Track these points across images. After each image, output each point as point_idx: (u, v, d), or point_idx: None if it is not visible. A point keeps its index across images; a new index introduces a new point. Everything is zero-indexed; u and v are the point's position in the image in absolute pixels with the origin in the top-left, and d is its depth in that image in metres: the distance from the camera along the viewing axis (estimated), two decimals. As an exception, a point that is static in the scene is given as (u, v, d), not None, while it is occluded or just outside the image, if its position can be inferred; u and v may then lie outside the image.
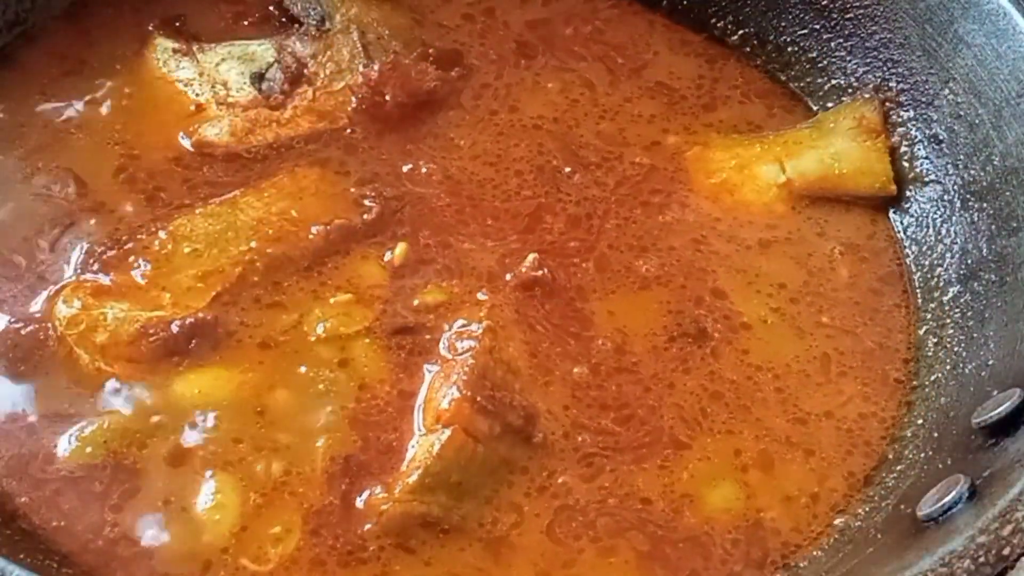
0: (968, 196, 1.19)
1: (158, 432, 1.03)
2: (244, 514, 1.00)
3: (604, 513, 1.03)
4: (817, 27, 1.33)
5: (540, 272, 1.14)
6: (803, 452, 1.09)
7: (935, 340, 1.16)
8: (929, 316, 1.18)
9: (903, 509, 1.01)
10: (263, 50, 1.30)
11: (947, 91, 1.22)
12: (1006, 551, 0.87)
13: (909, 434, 1.10)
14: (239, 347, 1.09)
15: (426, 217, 1.19)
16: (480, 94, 1.31)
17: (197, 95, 1.26)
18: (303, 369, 1.08)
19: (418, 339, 1.10)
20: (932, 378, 1.13)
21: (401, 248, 1.16)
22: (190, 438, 1.03)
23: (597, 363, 1.11)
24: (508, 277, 1.15)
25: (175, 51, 1.29)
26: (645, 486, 1.05)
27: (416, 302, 1.12)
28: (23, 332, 1.07)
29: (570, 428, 1.07)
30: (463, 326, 1.10)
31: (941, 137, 1.24)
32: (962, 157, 1.21)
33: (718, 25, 1.38)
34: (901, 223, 1.26)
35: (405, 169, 1.23)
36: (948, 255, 1.20)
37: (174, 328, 1.07)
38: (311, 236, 1.15)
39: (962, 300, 1.15)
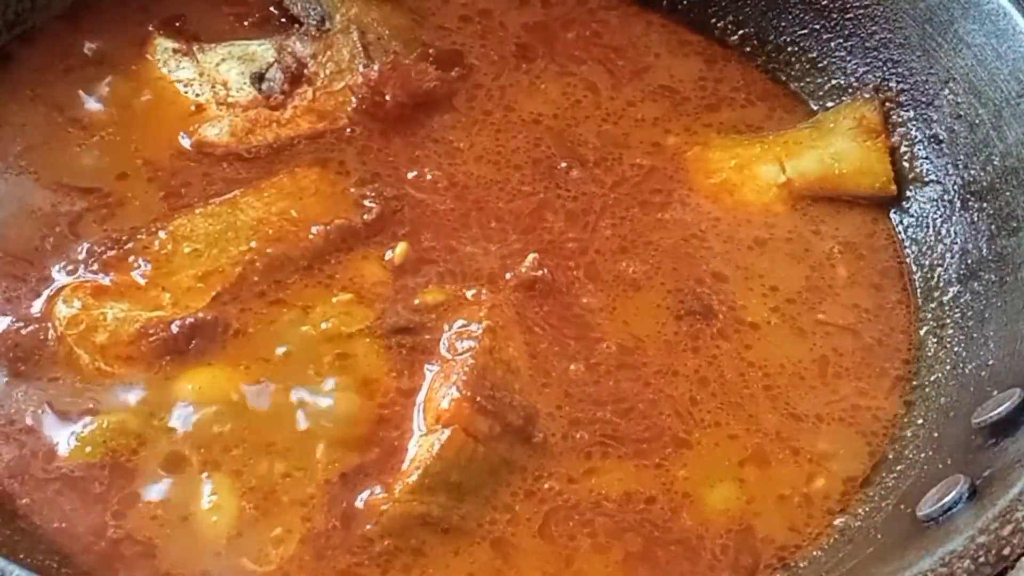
0: (968, 196, 1.19)
1: (158, 432, 1.03)
2: (244, 515, 0.99)
3: (602, 513, 1.03)
4: (817, 27, 1.33)
5: (540, 272, 1.14)
6: (802, 452, 1.09)
7: (935, 340, 1.16)
8: (929, 316, 1.18)
9: (903, 509, 1.01)
10: (263, 50, 1.30)
11: (947, 91, 1.22)
12: (1006, 551, 0.88)
13: (909, 434, 1.10)
14: (239, 347, 1.08)
15: (426, 217, 1.19)
16: (480, 95, 1.31)
17: (197, 95, 1.26)
18: (303, 369, 1.07)
19: (418, 339, 1.10)
20: (932, 378, 1.13)
21: (401, 248, 1.16)
22: (190, 438, 1.03)
23: (597, 362, 1.11)
24: (508, 277, 1.15)
25: (175, 51, 1.29)
26: (643, 485, 1.05)
27: (416, 302, 1.12)
28: (23, 332, 1.07)
29: (568, 427, 1.07)
30: (463, 326, 1.10)
31: (941, 137, 1.24)
32: (962, 157, 1.21)
33: (718, 25, 1.38)
34: (901, 223, 1.26)
35: (405, 169, 1.23)
36: (948, 255, 1.20)
37: (174, 328, 1.07)
38: (311, 236, 1.15)
39: (962, 300, 1.15)
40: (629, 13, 1.41)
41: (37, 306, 1.09)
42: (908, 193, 1.26)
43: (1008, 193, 1.15)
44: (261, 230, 1.14)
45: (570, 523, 1.02)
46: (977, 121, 1.19)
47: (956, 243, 1.19)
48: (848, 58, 1.31)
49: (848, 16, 1.30)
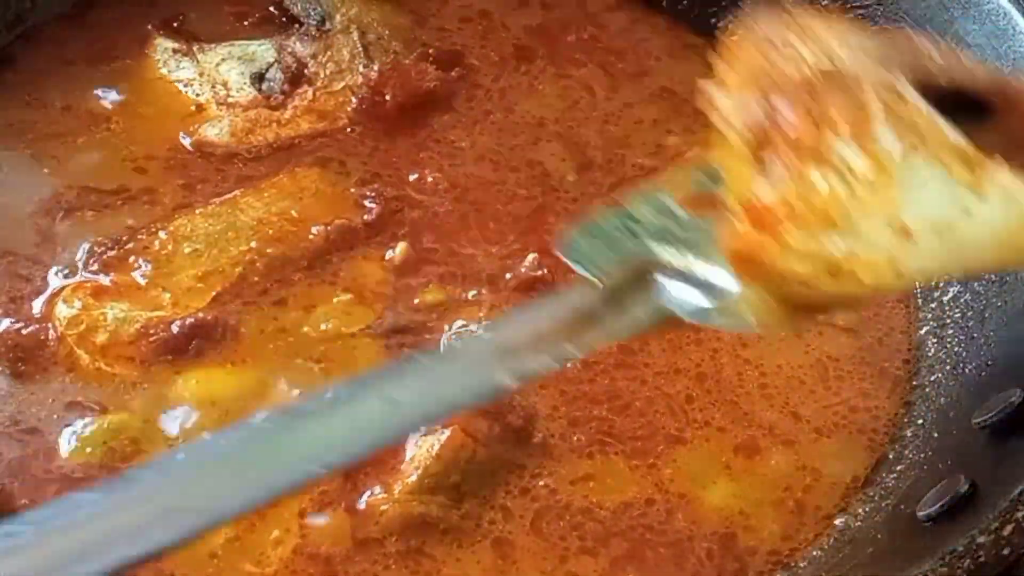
0: (968, 196, 1.19)
1: (159, 432, 1.03)
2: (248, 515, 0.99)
3: (592, 518, 1.03)
4: (817, 27, 1.33)
5: (540, 272, 1.14)
6: (801, 451, 1.09)
7: (935, 340, 1.16)
8: (929, 316, 1.18)
9: (903, 509, 1.00)
10: (263, 50, 1.30)
11: (947, 91, 1.22)
12: (1006, 551, 0.87)
13: (909, 434, 1.09)
14: (239, 347, 1.09)
15: (427, 218, 1.19)
16: (480, 95, 1.31)
17: (197, 95, 1.26)
18: (304, 369, 1.08)
19: (418, 339, 1.10)
20: (932, 378, 1.13)
21: (402, 248, 1.15)
22: (191, 438, 1.03)
23: (595, 360, 1.11)
24: (508, 277, 1.15)
25: (175, 51, 1.29)
26: (638, 485, 1.05)
27: (416, 301, 1.12)
28: (24, 332, 1.07)
29: (567, 428, 1.07)
30: (462, 326, 1.10)
31: (941, 137, 1.23)
32: (962, 157, 1.21)
33: (718, 25, 1.37)
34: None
35: (405, 169, 1.23)
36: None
37: (174, 328, 1.07)
38: (311, 236, 1.15)
39: (962, 300, 1.15)
40: (630, 14, 1.41)
41: (37, 306, 1.09)
42: (908, 193, 1.26)
43: (1008, 193, 1.14)
44: (261, 230, 1.15)
45: (562, 522, 1.02)
46: (977, 121, 1.19)
47: (956, 243, 1.19)
48: (848, 58, 1.31)
49: (848, 16, 1.30)
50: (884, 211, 0.81)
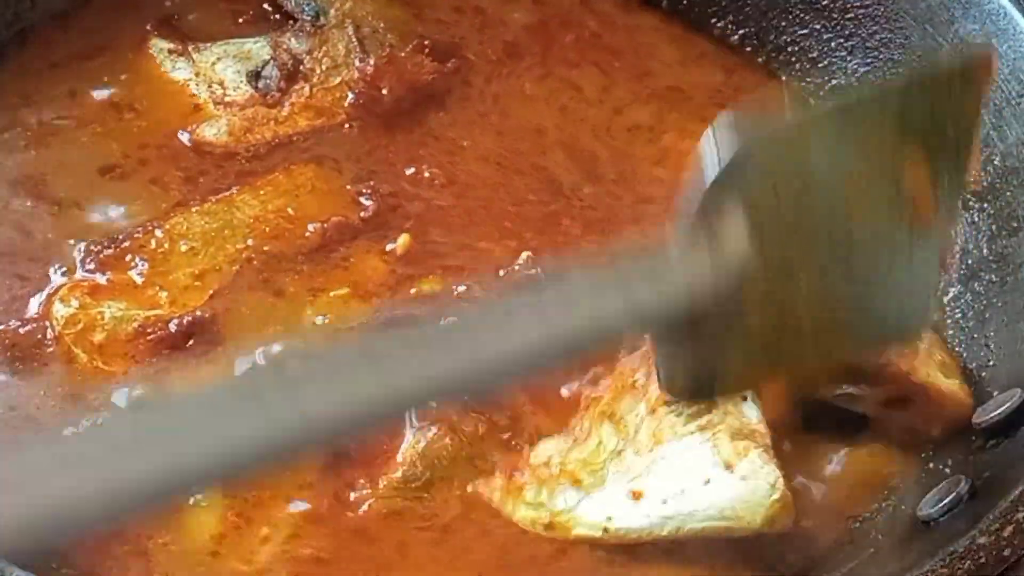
0: (968, 196, 1.19)
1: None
2: (235, 513, 1.00)
3: None
4: (817, 27, 1.32)
5: (533, 271, 1.14)
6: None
7: (935, 340, 1.16)
8: (929, 316, 1.18)
9: (903, 509, 1.01)
10: (258, 48, 1.29)
11: (947, 91, 1.22)
12: (1006, 551, 0.88)
13: (909, 434, 1.10)
14: (237, 344, 1.08)
15: (423, 214, 1.19)
16: (478, 89, 1.31)
17: (194, 95, 1.26)
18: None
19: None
20: (932, 378, 1.13)
21: (402, 240, 1.15)
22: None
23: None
24: (501, 274, 1.14)
25: (171, 51, 1.28)
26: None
27: (412, 298, 1.12)
28: (21, 332, 1.06)
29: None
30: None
31: (941, 137, 1.24)
32: (962, 157, 1.21)
33: (718, 25, 1.37)
34: (900, 223, 1.26)
35: (402, 165, 1.23)
36: (948, 255, 1.20)
37: (172, 326, 1.07)
38: (308, 233, 1.15)
39: (962, 300, 1.15)
40: (629, 12, 1.40)
41: (35, 305, 1.09)
42: (907, 193, 1.26)
43: (1008, 193, 1.14)
44: (258, 228, 1.14)
45: None
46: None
47: (956, 243, 1.19)
48: (848, 58, 1.31)
49: (848, 16, 1.30)
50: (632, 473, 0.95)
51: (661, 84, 1.34)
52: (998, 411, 1.00)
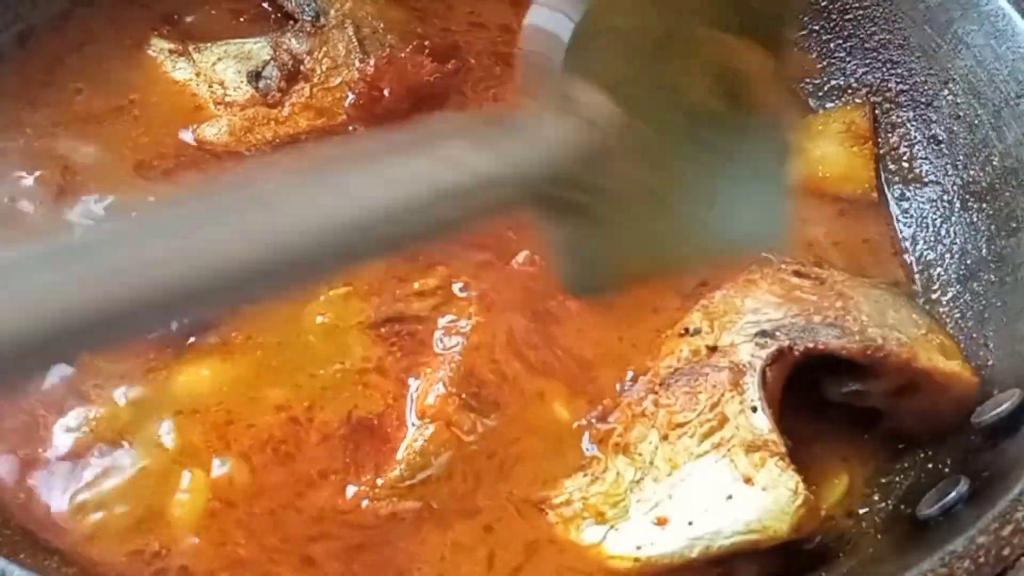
0: (967, 196, 1.19)
1: (157, 427, 1.03)
2: (211, 506, 1.00)
3: None
4: (817, 28, 1.33)
5: (532, 268, 1.14)
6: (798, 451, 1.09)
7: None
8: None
9: (903, 509, 1.01)
10: (259, 48, 1.30)
11: (946, 92, 1.23)
12: (1006, 551, 0.88)
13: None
14: (237, 342, 1.08)
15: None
16: (477, 88, 1.31)
17: (195, 95, 1.26)
18: (299, 363, 1.08)
19: (411, 329, 1.10)
20: (932, 378, 1.13)
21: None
22: (187, 432, 1.03)
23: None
24: (500, 273, 1.15)
25: (172, 52, 1.29)
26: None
27: (410, 295, 1.12)
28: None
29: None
30: (452, 322, 1.10)
31: (940, 138, 1.24)
32: (961, 158, 1.21)
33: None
34: (900, 224, 1.26)
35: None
36: (947, 255, 1.20)
37: (172, 324, 1.07)
38: (307, 232, 1.15)
39: (962, 300, 1.15)
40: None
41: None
42: (907, 193, 1.26)
43: (1007, 194, 1.15)
44: (257, 227, 1.14)
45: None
46: (976, 122, 1.19)
47: (956, 243, 1.19)
48: (848, 59, 1.31)
49: (848, 17, 1.30)
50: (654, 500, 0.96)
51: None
52: (997, 411, 1.00)
